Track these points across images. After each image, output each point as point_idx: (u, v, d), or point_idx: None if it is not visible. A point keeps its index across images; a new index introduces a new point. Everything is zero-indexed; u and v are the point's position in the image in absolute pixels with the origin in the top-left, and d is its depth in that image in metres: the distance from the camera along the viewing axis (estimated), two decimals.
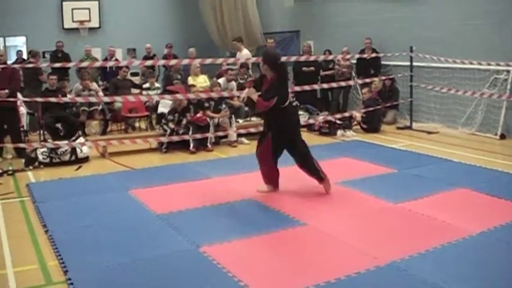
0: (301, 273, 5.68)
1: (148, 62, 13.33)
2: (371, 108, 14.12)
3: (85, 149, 11.21)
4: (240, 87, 14.33)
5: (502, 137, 13.13)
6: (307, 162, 8.52)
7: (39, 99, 12.08)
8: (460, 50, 13.42)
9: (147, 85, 15.20)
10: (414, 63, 14.54)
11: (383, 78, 15.28)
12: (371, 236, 6.73)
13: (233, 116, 13.00)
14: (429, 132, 13.92)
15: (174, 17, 21.90)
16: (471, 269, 5.76)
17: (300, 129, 8.84)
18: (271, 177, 8.62)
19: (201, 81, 15.29)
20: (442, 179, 9.08)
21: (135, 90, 14.86)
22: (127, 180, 9.65)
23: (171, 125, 12.05)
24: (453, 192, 8.30)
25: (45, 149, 10.87)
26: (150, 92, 14.72)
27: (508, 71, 13.18)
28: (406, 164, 10.35)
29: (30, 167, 10.73)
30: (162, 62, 12.67)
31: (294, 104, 8.28)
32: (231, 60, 13.78)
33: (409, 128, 14.57)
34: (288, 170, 9.65)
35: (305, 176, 8.55)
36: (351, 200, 8.26)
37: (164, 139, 11.59)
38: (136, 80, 16.47)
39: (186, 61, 12.25)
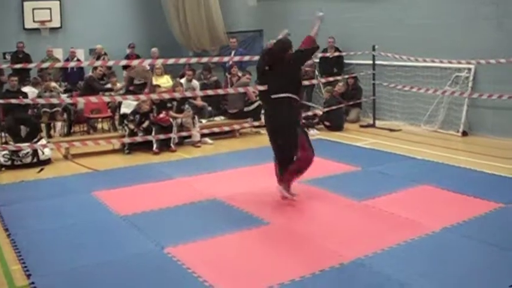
0: (266, 272, 5.69)
1: (110, 62, 13.19)
2: (334, 107, 14.18)
3: (47, 151, 11.06)
4: (203, 88, 14.33)
5: (464, 134, 13.30)
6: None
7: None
8: (422, 48, 13.54)
9: (108, 86, 15.06)
10: (377, 62, 14.63)
11: (346, 77, 15.35)
12: (335, 234, 6.77)
13: (196, 116, 12.95)
14: (392, 130, 14.03)
15: (136, 16, 21.75)
16: (435, 265, 5.82)
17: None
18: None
19: (164, 81, 15.21)
20: (406, 176, 9.16)
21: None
22: (90, 182, 9.58)
23: (131, 126, 11.96)
24: (416, 189, 8.38)
25: (6, 152, 10.71)
26: (112, 93, 14.59)
27: (469, 69, 13.35)
28: (370, 162, 10.43)
29: None
30: (124, 62, 12.56)
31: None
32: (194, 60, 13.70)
33: (372, 126, 14.67)
34: (254, 168, 9.71)
35: (270, 175, 8.55)
36: (315, 198, 8.29)
37: (127, 140, 11.50)
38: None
39: (148, 61, 12.15)
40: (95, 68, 15.38)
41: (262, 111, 14.13)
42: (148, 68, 14.87)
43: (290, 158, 7.98)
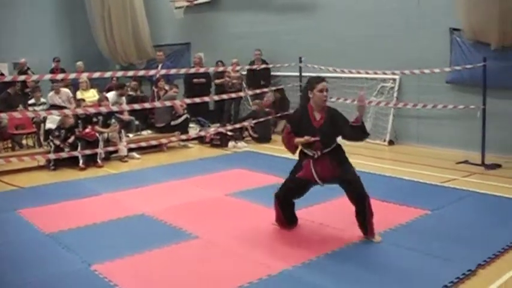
0: (195, 286, 5.67)
1: (34, 77, 12.99)
2: (262, 119, 14.26)
3: None
4: (131, 101, 14.23)
5: (390, 143, 13.55)
6: None
7: None
8: (349, 59, 13.74)
9: (32, 101, 14.76)
10: (304, 74, 14.70)
11: (273, 88, 15.46)
12: (264, 246, 6.78)
13: (123, 131, 12.83)
14: None
15: (61, 29, 21.38)
16: (363, 273, 5.90)
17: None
18: None
19: (90, 95, 15.06)
20: (333, 187, 9.16)
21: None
22: (14, 199, 9.36)
23: (57, 142, 11.77)
24: (345, 199, 8.45)
25: None
26: (37, 108, 14.32)
27: (394, 80, 13.64)
28: None
29: None
30: (48, 76, 12.35)
31: None
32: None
33: None
34: (182, 182, 9.70)
35: (197, 189, 8.53)
36: (243, 211, 8.31)
37: (52, 156, 11.31)
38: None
39: (73, 75, 12.00)
40: (13, 84, 15.03)
41: (192, 125, 14.21)
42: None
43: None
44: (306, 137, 6.81)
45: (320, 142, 6.85)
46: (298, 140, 6.97)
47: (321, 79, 7.02)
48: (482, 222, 7.36)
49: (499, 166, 11.01)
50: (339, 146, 7.03)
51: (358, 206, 6.86)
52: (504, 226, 7.30)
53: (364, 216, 6.84)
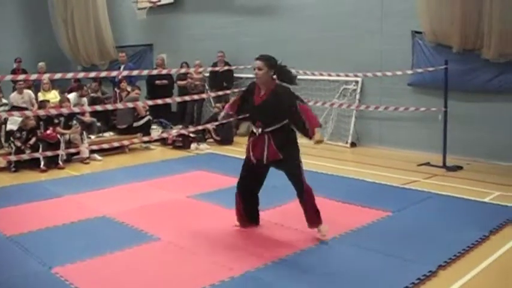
0: None
1: None
2: (224, 121, 14.23)
3: None
4: (92, 102, 14.12)
5: (353, 145, 13.64)
6: None
7: None
8: (311, 62, 13.77)
9: None
10: None
11: (235, 91, 15.44)
12: (225, 248, 6.77)
13: (84, 132, 12.73)
14: None
15: (23, 30, 21.05)
16: (325, 274, 5.93)
17: None
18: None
19: (52, 96, 14.90)
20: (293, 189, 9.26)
21: None
22: None
23: (18, 143, 11.62)
24: None
25: None
26: None
27: (357, 82, 13.74)
28: None
29: None
30: (9, 77, 12.18)
31: None
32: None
33: None
34: (144, 184, 9.66)
35: (159, 191, 8.48)
36: (205, 213, 8.30)
37: (13, 157, 11.17)
38: None
39: (34, 76, 11.87)
40: None
41: (154, 127, 14.13)
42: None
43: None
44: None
45: (259, 120, 6.86)
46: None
47: (257, 57, 7.08)
48: (444, 224, 7.43)
49: (460, 168, 11.14)
50: (287, 127, 6.92)
51: (298, 197, 7.01)
52: (465, 227, 7.37)
53: (304, 207, 6.94)
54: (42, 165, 11.48)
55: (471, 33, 11.53)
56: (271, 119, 6.86)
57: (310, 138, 6.77)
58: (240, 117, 14.95)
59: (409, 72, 12.24)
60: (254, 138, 7.00)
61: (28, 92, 14.65)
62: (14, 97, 14.33)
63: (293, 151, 6.99)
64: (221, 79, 15.99)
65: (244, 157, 7.37)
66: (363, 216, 7.83)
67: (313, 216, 6.94)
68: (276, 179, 10.25)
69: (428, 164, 11.46)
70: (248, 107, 6.97)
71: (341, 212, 7.46)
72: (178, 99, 14.48)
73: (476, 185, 9.86)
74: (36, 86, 15.94)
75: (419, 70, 11.99)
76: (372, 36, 13.27)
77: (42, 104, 13.01)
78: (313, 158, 11.76)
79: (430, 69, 11.64)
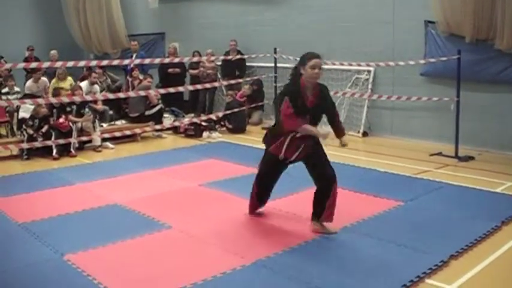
0: (168, 277, 5.64)
1: (8, 65, 12.86)
2: (236, 110, 14.24)
3: None
4: (100, 90, 14.16)
5: (365, 134, 13.61)
6: None
7: None
8: (323, 51, 13.57)
9: (6, 89, 14.58)
10: (278, 65, 14.74)
11: (248, 79, 15.46)
12: (237, 236, 6.79)
13: (97, 120, 12.75)
14: None
15: (35, 18, 21.05)
16: (336, 263, 5.94)
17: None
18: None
19: (68, 84, 14.92)
20: (307, 177, 9.20)
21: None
22: None
23: (30, 131, 11.66)
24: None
25: None
26: (10, 97, 14.16)
27: (369, 71, 13.70)
28: None
29: None
30: (21, 65, 12.24)
31: None
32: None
33: None
34: (155, 172, 9.67)
35: (170, 179, 8.49)
36: (216, 201, 8.30)
37: (25, 145, 11.20)
38: None
39: (47, 64, 11.90)
40: None
41: (166, 115, 14.10)
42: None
43: None
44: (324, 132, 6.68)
45: (312, 121, 6.71)
46: (312, 130, 6.62)
47: (315, 55, 6.80)
48: (455, 214, 7.41)
49: (472, 158, 11.10)
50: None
51: (323, 187, 6.83)
52: (476, 218, 7.36)
53: (326, 197, 6.79)
54: (54, 153, 11.51)
55: (484, 24, 11.45)
56: (319, 118, 6.87)
57: (339, 137, 6.99)
58: (252, 106, 15.09)
59: (422, 62, 12.18)
60: (293, 137, 6.76)
61: (44, 80, 14.63)
62: (29, 86, 14.33)
63: (319, 142, 6.95)
64: (233, 68, 15.96)
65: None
66: (375, 206, 7.83)
67: (331, 210, 6.81)
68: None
69: (440, 154, 11.42)
70: (297, 111, 6.62)
71: (353, 202, 7.45)
72: (191, 87, 14.48)
73: (488, 175, 9.82)
74: (49, 74, 15.94)
75: (432, 60, 11.93)
76: (384, 25, 13.20)
77: (56, 92, 13.01)
78: (325, 147, 11.77)
79: (443, 59, 11.58)
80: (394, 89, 12.99)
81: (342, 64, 13.02)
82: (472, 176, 9.74)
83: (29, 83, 14.38)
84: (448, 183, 9.20)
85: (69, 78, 15.28)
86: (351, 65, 13.02)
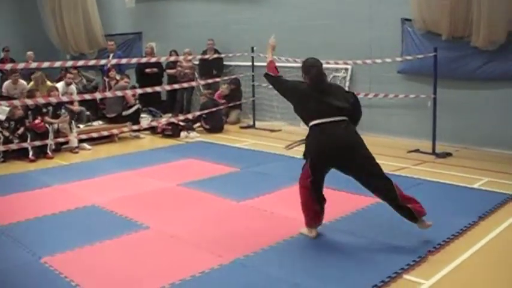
0: (146, 277, 5.63)
1: None
2: (214, 109, 14.21)
3: None
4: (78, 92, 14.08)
5: None
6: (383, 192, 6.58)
7: None
8: (301, 49, 13.72)
9: None
10: (256, 63, 14.75)
11: (225, 78, 15.44)
12: (215, 235, 6.77)
13: (73, 121, 12.66)
14: (272, 131, 14.20)
15: (11, 18, 20.83)
16: (314, 261, 5.98)
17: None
18: (311, 213, 6.69)
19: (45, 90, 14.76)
20: (285, 175, 9.26)
21: None
22: None
23: (6, 133, 11.55)
24: (295, 188, 8.45)
25: None
26: None
27: (346, 69, 13.71)
28: (249, 163, 10.53)
29: None
30: None
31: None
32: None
33: (253, 127, 14.81)
34: (133, 173, 9.62)
35: (149, 180, 8.46)
36: (195, 201, 8.30)
37: (1, 148, 11.10)
38: None
39: (22, 65, 11.82)
40: None
41: (143, 115, 14.03)
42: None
43: None
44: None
45: None
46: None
47: (315, 64, 6.64)
48: (433, 210, 7.39)
49: (449, 155, 11.16)
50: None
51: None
52: (454, 214, 7.41)
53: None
54: (30, 155, 11.42)
55: (460, 21, 11.51)
56: None
57: None
58: (230, 105, 15.08)
59: (399, 59, 12.23)
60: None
61: (22, 83, 14.46)
62: (7, 87, 14.20)
63: None
64: (211, 67, 15.96)
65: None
66: (353, 203, 7.85)
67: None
68: (262, 166, 10.34)
69: (418, 150, 11.47)
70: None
71: (331, 199, 7.42)
72: (168, 87, 14.42)
73: (465, 171, 9.90)
74: (24, 76, 15.81)
75: (409, 57, 11.97)
76: (361, 23, 13.23)
77: (31, 93, 12.90)
78: (303, 146, 11.77)
79: (420, 56, 11.62)
80: (372, 86, 13.02)
81: None
82: (449, 172, 9.80)
83: (7, 83, 14.25)
84: (426, 179, 9.25)
85: (48, 82, 15.12)
86: (328, 63, 12.99)
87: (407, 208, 6.32)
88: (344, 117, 6.47)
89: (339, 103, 6.47)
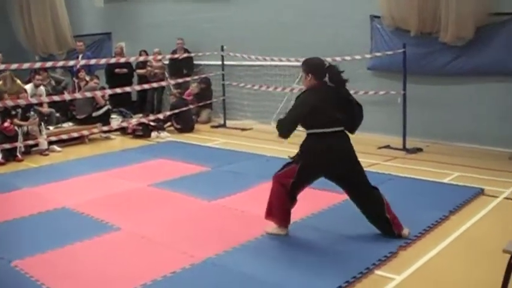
0: (118, 278, 5.60)
1: None
2: (184, 108, 14.17)
3: None
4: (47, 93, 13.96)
5: None
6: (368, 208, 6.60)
7: None
8: (270, 48, 13.80)
9: None
10: (226, 62, 14.76)
11: (195, 77, 15.41)
12: (186, 235, 6.76)
13: (43, 123, 12.53)
14: (243, 129, 14.21)
15: None
16: (286, 258, 5.99)
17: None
18: (284, 212, 6.65)
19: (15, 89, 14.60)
20: (255, 174, 9.29)
21: None
22: None
23: None
24: (265, 186, 8.44)
25: None
26: None
27: None
28: (220, 162, 10.53)
29: None
30: None
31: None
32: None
33: (223, 126, 14.80)
34: (104, 174, 9.57)
35: (119, 181, 8.42)
36: (166, 201, 8.27)
37: None
38: None
39: None
40: None
41: (114, 116, 13.97)
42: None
43: None
44: None
45: None
46: None
47: (329, 64, 6.80)
48: (404, 205, 7.45)
49: (420, 150, 11.25)
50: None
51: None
52: (425, 208, 7.48)
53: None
54: (0, 158, 11.32)
55: (428, 17, 11.61)
56: None
57: None
58: (200, 104, 15.06)
59: (368, 56, 12.29)
60: None
61: None
62: None
63: None
64: (181, 66, 15.92)
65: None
66: (324, 200, 7.87)
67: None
68: (234, 165, 10.33)
69: (388, 146, 11.55)
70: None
71: (302, 196, 7.44)
72: (138, 87, 14.36)
73: (435, 166, 9.98)
74: None
75: (378, 54, 12.04)
76: (330, 20, 13.26)
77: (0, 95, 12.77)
78: (273, 143, 11.79)
79: (389, 53, 11.69)
80: None
81: (289, 60, 13.03)
82: (420, 168, 9.88)
83: None
84: (397, 175, 9.33)
85: (18, 82, 14.95)
86: (298, 60, 13.02)
87: (389, 222, 6.42)
88: (342, 128, 6.58)
89: (342, 115, 6.54)
